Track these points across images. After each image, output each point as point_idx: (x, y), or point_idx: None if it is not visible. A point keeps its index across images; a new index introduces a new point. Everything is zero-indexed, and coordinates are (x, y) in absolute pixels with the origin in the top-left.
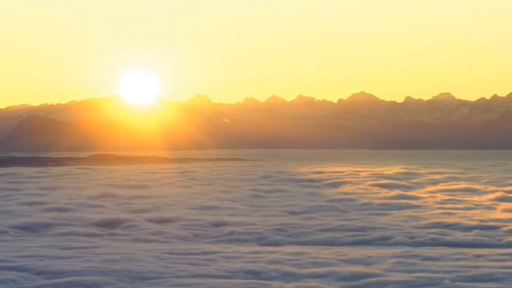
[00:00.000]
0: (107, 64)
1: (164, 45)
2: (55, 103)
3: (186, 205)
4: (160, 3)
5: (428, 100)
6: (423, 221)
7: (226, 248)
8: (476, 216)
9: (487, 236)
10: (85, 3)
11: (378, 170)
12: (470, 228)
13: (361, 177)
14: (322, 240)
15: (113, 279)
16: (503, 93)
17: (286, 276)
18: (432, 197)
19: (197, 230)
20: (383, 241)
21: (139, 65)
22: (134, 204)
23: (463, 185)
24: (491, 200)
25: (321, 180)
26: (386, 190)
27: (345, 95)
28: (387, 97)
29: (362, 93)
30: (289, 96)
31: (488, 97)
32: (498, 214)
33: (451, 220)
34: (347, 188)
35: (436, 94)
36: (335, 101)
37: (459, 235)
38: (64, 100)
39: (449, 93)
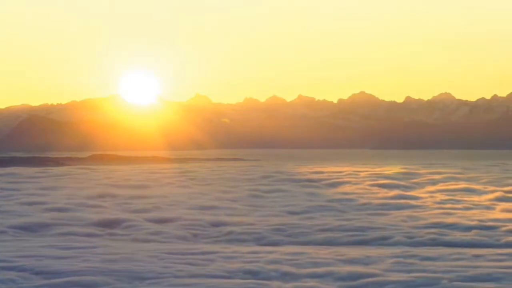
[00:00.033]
0: (107, 64)
1: (164, 45)
2: (55, 103)
3: (185, 205)
4: (160, 3)
5: (428, 100)
6: (422, 221)
7: (225, 248)
8: (475, 216)
9: (486, 236)
10: (85, 3)
11: (377, 170)
12: (469, 228)
13: (361, 177)
14: (321, 240)
15: (112, 279)
16: (503, 93)
17: (285, 276)
18: (432, 197)
19: (196, 230)
20: (382, 241)
21: (139, 65)
22: (133, 204)
23: (462, 185)
24: (490, 200)
25: (321, 180)
26: (385, 190)
27: (345, 95)
28: (387, 97)
29: (362, 93)
30: (289, 96)
31: (488, 97)
32: (497, 214)
33: (450, 220)
34: (347, 188)
35: (436, 94)
36: (335, 101)
37: (458, 235)
38: (64, 100)
39: (449, 93)
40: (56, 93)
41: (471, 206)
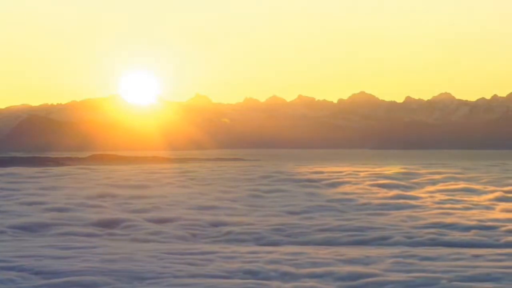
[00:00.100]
0: (107, 64)
1: (164, 45)
2: (55, 103)
3: (185, 205)
4: (160, 3)
5: (428, 100)
6: (422, 221)
7: (224, 248)
8: (475, 216)
9: (485, 236)
10: (85, 3)
11: (377, 170)
12: (468, 228)
13: (361, 177)
14: (321, 240)
15: (111, 279)
16: (503, 93)
17: (285, 276)
18: (431, 197)
19: (195, 230)
20: (382, 241)
21: (139, 65)
22: (133, 204)
23: (462, 185)
24: (490, 200)
25: (321, 180)
26: (385, 190)
27: (345, 95)
28: (387, 97)
29: (362, 93)
30: (289, 96)
31: (488, 97)
32: (496, 214)
33: (449, 220)
34: (346, 188)
35: (436, 94)
36: (335, 101)
37: (457, 235)
38: (64, 100)
39: (449, 93)
40: (56, 93)
41: (471, 206)
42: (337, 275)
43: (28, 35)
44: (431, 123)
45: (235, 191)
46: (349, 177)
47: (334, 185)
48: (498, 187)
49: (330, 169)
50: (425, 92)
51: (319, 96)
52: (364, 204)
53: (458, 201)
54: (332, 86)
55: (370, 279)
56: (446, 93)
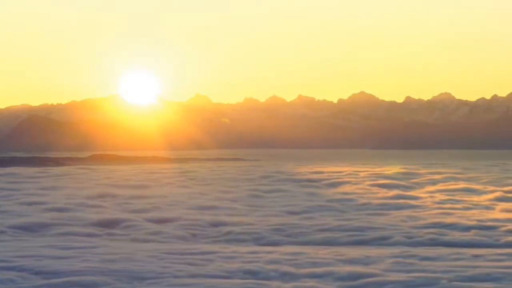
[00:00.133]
0: (107, 64)
1: (164, 45)
2: (55, 103)
3: (185, 205)
4: (160, 3)
5: (428, 100)
6: (422, 221)
7: (224, 248)
8: (475, 216)
9: (485, 236)
10: (85, 3)
11: (377, 170)
12: (468, 228)
13: (361, 177)
14: (321, 240)
15: (111, 279)
16: (503, 93)
17: (285, 276)
18: (431, 197)
19: (195, 230)
20: (382, 241)
21: (139, 65)
22: (133, 204)
23: (462, 185)
24: (490, 200)
25: (321, 180)
26: (385, 190)
27: (345, 95)
28: (387, 97)
29: (362, 93)
30: (289, 96)
31: (488, 97)
32: (496, 214)
33: (449, 220)
34: (346, 188)
35: (436, 94)
36: (335, 101)
37: (457, 235)
38: (64, 100)
39: (449, 93)
40: (56, 93)
41: (471, 206)
42: (337, 275)
43: (28, 35)
44: (431, 123)
45: (235, 191)
46: (349, 177)
47: (334, 185)
48: (498, 187)
49: (330, 169)
50: (425, 92)
51: (319, 96)
52: (364, 204)
53: (458, 201)
54: (332, 86)
55: (370, 279)
56: (446, 93)
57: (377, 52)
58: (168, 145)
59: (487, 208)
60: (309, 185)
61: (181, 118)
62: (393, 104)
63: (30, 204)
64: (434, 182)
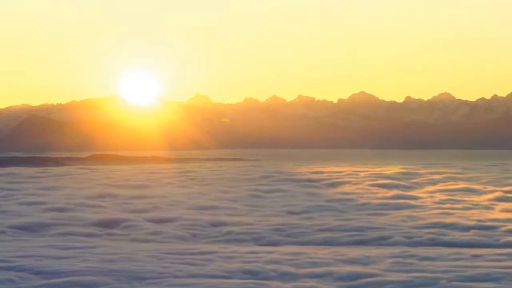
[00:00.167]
0: (107, 64)
1: (164, 45)
2: (55, 103)
3: (185, 205)
4: (160, 3)
5: (428, 100)
6: (421, 221)
7: (224, 248)
8: (474, 216)
9: (485, 236)
10: (85, 3)
11: (377, 170)
12: (468, 228)
13: (360, 177)
14: (321, 240)
15: (111, 279)
16: (503, 93)
17: (284, 276)
18: (431, 197)
19: (195, 230)
20: (381, 241)
21: (139, 65)
22: (133, 204)
23: (462, 185)
24: (489, 200)
25: (321, 180)
26: (385, 190)
27: (345, 95)
28: (387, 97)
29: (362, 93)
30: (289, 96)
31: (488, 97)
32: (496, 214)
33: (449, 220)
34: (346, 188)
35: (436, 94)
36: (335, 101)
37: (457, 235)
38: (64, 100)
39: (449, 93)
40: (56, 93)
41: (471, 206)
42: (337, 275)
43: (28, 35)
44: (431, 123)
45: (235, 191)
46: (349, 177)
47: (334, 185)
48: (498, 187)
49: (330, 169)
50: (425, 92)
51: (319, 96)
52: (364, 204)
53: (458, 201)
54: (332, 86)
55: (369, 279)
56: (446, 93)
57: (377, 52)
58: (168, 145)
59: (487, 208)
60: (309, 185)
61: (181, 118)
62: (393, 104)
63: (30, 204)
64: (434, 182)
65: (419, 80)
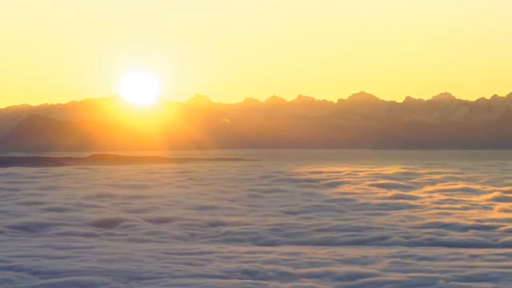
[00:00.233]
0: (107, 64)
1: (164, 45)
2: (55, 103)
3: (184, 205)
4: (160, 3)
5: (428, 100)
6: (420, 221)
7: (222, 248)
8: (473, 216)
9: (483, 236)
10: (85, 3)
11: (377, 170)
12: (466, 228)
13: (360, 177)
14: (319, 240)
15: (109, 279)
16: (503, 93)
17: (283, 276)
18: (430, 197)
19: (194, 230)
20: (380, 241)
21: (139, 65)
22: (132, 204)
23: (461, 185)
24: (488, 200)
25: (320, 180)
26: (384, 190)
27: (345, 95)
28: (387, 97)
29: (362, 93)
30: (289, 96)
31: (488, 97)
32: (495, 214)
33: (447, 220)
34: (345, 188)
35: (436, 94)
36: (335, 101)
37: (455, 235)
38: (64, 100)
39: (449, 93)
40: (56, 93)
41: (469, 206)
42: (335, 275)
43: (28, 35)
44: (431, 123)
45: (234, 191)
46: (348, 177)
47: (333, 185)
48: (497, 187)
49: (329, 169)
50: (425, 92)
51: (319, 96)
52: (363, 204)
53: (456, 201)
54: (332, 86)
55: (368, 279)
56: (446, 93)
57: (377, 52)
58: (168, 145)
59: (486, 208)
60: (308, 185)
61: (181, 118)
62: (393, 104)
63: (28, 204)
64: (433, 182)
65: (419, 80)
